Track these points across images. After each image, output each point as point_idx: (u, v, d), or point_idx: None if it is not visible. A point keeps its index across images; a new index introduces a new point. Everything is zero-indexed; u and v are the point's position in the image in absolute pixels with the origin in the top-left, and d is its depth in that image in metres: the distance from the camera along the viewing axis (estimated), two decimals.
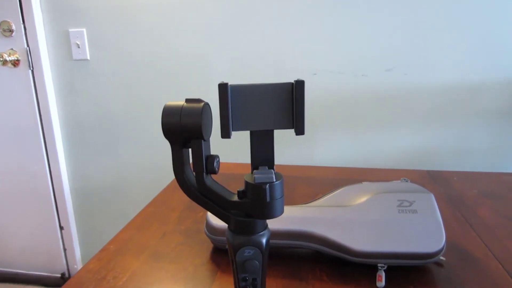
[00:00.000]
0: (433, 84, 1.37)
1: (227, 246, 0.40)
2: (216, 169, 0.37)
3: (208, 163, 0.37)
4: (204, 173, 0.37)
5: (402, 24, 1.34)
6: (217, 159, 0.38)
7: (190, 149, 0.37)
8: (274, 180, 0.36)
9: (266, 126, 0.37)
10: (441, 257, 0.58)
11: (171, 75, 1.55)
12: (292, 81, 0.35)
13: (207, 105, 0.37)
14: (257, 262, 0.38)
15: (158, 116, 1.60)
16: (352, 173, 1.01)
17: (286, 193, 0.87)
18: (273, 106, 0.36)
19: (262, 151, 0.38)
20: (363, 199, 0.62)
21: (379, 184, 0.66)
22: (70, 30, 1.59)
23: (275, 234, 0.59)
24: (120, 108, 1.65)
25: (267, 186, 0.35)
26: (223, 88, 0.34)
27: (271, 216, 0.36)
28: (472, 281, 0.55)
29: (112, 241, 0.68)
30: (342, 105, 1.44)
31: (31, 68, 1.64)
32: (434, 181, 0.93)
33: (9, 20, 1.60)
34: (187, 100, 0.36)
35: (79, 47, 1.59)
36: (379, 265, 0.56)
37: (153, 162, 1.69)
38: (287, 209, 0.63)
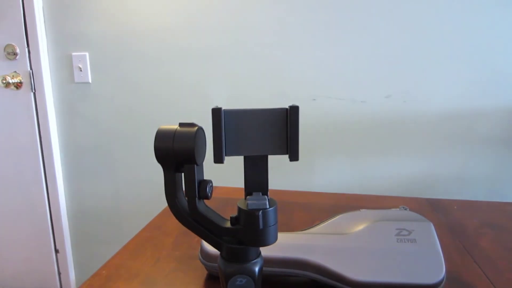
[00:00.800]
0: (433, 111, 1.37)
1: (217, 262, 0.39)
2: (209, 194, 0.37)
3: (201, 188, 0.36)
4: (197, 199, 0.36)
5: (402, 51, 1.35)
6: (210, 184, 0.37)
7: (183, 174, 0.37)
8: (268, 206, 0.35)
9: (260, 152, 0.36)
10: None
11: (170, 100, 1.56)
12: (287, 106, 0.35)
13: (200, 129, 0.36)
14: None
15: None
16: (350, 199, 0.99)
17: (283, 219, 0.86)
18: (267, 132, 0.36)
19: (255, 177, 0.37)
20: (360, 227, 0.61)
21: (378, 212, 0.65)
22: (73, 53, 1.61)
23: (268, 262, 0.58)
24: (119, 132, 1.65)
25: (260, 212, 0.35)
26: (216, 112, 0.34)
27: (264, 243, 0.35)
28: None
29: (104, 267, 0.66)
30: (341, 131, 1.45)
31: (33, 91, 1.66)
32: (433, 209, 0.92)
33: (13, 44, 1.63)
34: (181, 124, 0.36)
35: (81, 70, 1.61)
36: None
37: (151, 186, 1.68)
38: (282, 236, 0.62)
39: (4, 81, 1.63)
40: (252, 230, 0.35)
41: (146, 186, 1.69)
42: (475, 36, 1.31)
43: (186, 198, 0.37)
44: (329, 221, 0.65)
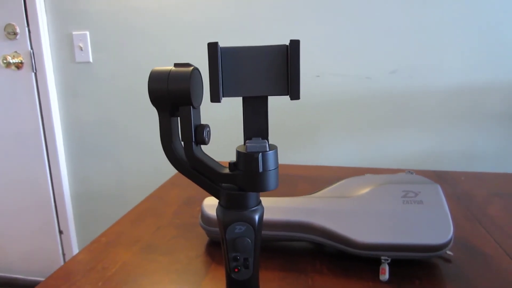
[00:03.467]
0: (439, 86, 1.34)
1: (217, 226, 0.37)
2: (206, 139, 0.35)
3: (198, 133, 0.35)
4: (194, 143, 0.35)
5: (407, 25, 1.32)
6: (207, 129, 0.35)
7: (179, 119, 0.35)
8: (268, 149, 0.34)
9: (259, 92, 0.34)
10: (448, 251, 0.55)
11: None
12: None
13: (196, 70, 0.35)
14: (249, 240, 0.35)
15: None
16: (355, 172, 0.97)
17: (286, 190, 0.84)
18: (266, 70, 0.34)
19: (255, 121, 0.36)
20: (366, 190, 0.59)
21: (383, 176, 0.63)
22: (73, 33, 1.59)
23: (273, 225, 0.56)
24: (121, 112, 1.64)
25: (260, 155, 0.33)
26: (212, 47, 0.32)
27: (264, 188, 0.34)
28: (482, 277, 0.52)
29: (104, 234, 0.65)
30: (346, 107, 1.42)
31: (34, 71, 1.64)
32: (440, 180, 0.90)
33: (13, 23, 1.61)
34: (176, 65, 0.34)
35: (82, 49, 1.59)
36: (382, 258, 0.53)
37: (154, 166, 1.67)
38: (285, 200, 0.60)
39: (4, 61, 1.61)
40: (251, 174, 0.34)
41: (149, 166, 1.67)
42: (483, 11, 1.27)
43: (183, 143, 0.35)
44: (334, 185, 0.63)
